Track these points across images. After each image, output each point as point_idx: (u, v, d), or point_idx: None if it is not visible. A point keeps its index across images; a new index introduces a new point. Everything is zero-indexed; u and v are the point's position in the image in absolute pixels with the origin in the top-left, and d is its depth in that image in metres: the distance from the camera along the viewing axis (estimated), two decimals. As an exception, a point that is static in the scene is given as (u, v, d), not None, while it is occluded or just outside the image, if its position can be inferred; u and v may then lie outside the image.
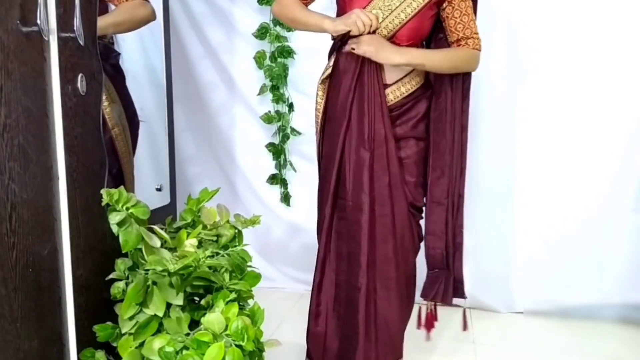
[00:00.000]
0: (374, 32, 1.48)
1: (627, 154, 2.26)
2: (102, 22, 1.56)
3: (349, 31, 1.49)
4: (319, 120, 1.67)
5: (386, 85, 1.57)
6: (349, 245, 1.57)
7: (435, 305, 1.74)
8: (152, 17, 1.70)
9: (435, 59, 1.57)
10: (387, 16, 1.51)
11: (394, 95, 1.58)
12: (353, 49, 1.51)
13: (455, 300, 1.77)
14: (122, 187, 1.23)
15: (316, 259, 1.64)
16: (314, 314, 1.64)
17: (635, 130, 2.24)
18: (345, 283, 1.58)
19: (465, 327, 1.86)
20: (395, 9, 1.51)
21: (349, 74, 1.55)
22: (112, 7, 1.63)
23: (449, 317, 2.34)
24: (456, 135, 1.65)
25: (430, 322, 1.75)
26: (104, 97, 1.52)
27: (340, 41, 1.57)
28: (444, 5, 1.55)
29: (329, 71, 1.61)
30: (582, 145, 2.30)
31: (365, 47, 1.48)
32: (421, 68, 1.58)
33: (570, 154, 2.31)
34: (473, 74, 1.67)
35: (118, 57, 1.71)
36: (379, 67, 1.54)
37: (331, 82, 1.62)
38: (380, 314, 1.58)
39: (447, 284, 1.67)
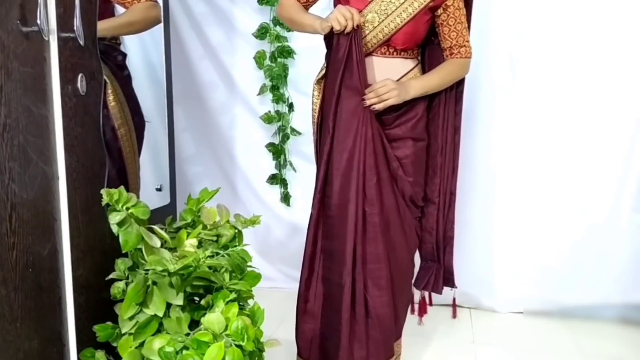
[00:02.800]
0: (357, 27, 1.48)
1: (628, 154, 2.27)
2: (116, 22, 1.59)
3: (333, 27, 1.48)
4: (316, 120, 1.67)
5: None
6: (334, 243, 1.57)
7: (429, 293, 1.86)
8: (161, 18, 1.73)
9: (434, 83, 1.61)
10: (382, 20, 1.53)
11: None
12: (371, 104, 1.53)
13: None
14: (122, 187, 1.23)
15: (303, 256, 1.64)
16: (302, 311, 1.64)
17: (635, 130, 2.24)
18: (331, 281, 1.58)
19: (454, 314, 2.07)
20: (391, 13, 1.52)
21: (334, 74, 1.55)
22: (118, 9, 1.65)
23: (449, 317, 2.34)
24: (448, 136, 1.72)
25: (422, 308, 1.89)
26: (111, 97, 1.53)
27: (327, 39, 1.57)
28: (439, 11, 1.57)
29: (324, 71, 1.61)
30: (583, 145, 2.30)
31: (388, 101, 1.52)
32: (424, 94, 1.61)
33: (571, 154, 2.31)
34: (473, 76, 1.71)
35: (124, 58, 1.72)
36: (362, 66, 1.53)
37: (326, 81, 1.62)
38: (373, 313, 1.57)
39: (438, 275, 1.78)
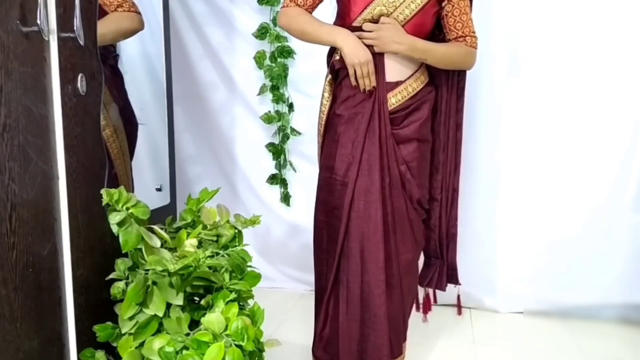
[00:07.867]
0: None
1: (627, 154, 2.26)
2: None
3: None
4: (322, 122, 1.67)
5: (394, 85, 1.57)
6: (359, 243, 1.56)
7: (434, 290, 1.87)
8: (140, 27, 1.69)
9: (437, 52, 1.57)
10: (391, 12, 1.52)
11: (401, 95, 1.58)
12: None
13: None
14: (122, 187, 1.23)
15: (323, 262, 1.63)
16: (324, 317, 1.62)
17: (635, 129, 2.24)
18: (355, 282, 1.57)
19: (459, 311, 2.10)
20: (399, 6, 1.51)
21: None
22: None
23: (449, 317, 2.34)
24: (450, 133, 1.72)
25: (427, 305, 1.90)
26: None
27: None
28: (444, 3, 1.56)
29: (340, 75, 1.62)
30: (583, 144, 2.30)
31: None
32: (422, 59, 1.57)
33: (571, 153, 2.31)
34: (472, 71, 1.69)
35: (117, 59, 1.71)
36: (381, 69, 1.54)
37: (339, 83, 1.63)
38: (387, 311, 1.57)
39: (441, 272, 1.79)
